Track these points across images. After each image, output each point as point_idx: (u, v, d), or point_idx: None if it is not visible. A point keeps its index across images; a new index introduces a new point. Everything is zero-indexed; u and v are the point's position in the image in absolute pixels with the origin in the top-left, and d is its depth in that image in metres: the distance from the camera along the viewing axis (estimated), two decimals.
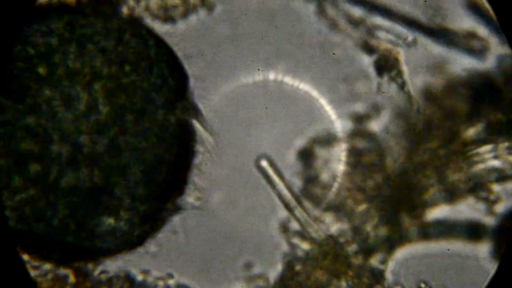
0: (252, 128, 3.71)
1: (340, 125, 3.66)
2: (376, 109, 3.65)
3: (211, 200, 3.69)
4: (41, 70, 3.56)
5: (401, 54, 3.63)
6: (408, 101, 3.60)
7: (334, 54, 3.66)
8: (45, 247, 3.62)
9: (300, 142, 3.69)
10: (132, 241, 3.63)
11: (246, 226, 3.68)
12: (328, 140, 3.67)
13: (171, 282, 3.68)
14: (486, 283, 3.55)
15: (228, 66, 3.70)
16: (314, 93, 3.67)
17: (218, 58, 3.70)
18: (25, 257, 3.62)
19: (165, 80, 3.62)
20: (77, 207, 3.53)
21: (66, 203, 3.53)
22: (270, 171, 3.65)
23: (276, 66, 3.69)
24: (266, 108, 3.68)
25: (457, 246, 3.63)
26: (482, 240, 3.60)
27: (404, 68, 3.62)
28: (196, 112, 3.64)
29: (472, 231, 3.61)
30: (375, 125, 3.66)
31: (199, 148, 3.67)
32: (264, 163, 3.66)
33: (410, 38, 3.62)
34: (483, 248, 3.62)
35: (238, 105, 3.70)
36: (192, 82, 3.68)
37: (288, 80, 3.68)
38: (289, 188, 3.65)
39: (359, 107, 3.67)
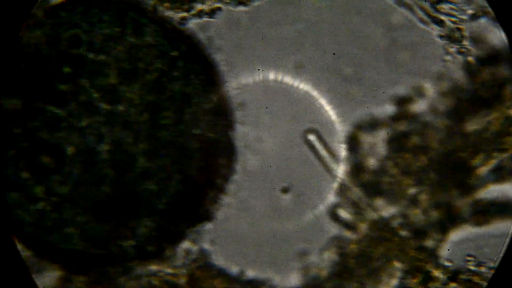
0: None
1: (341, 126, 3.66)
2: (417, 91, 3.66)
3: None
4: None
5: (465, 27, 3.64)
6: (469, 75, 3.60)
7: (334, 54, 3.63)
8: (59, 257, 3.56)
9: (343, 128, 3.67)
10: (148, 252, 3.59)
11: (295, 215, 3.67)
12: (372, 124, 3.66)
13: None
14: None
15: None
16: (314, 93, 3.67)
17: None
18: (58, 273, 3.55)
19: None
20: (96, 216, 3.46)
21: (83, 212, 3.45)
22: (319, 147, 3.62)
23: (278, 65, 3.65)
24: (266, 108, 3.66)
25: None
26: None
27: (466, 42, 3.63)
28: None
29: None
30: (418, 107, 3.67)
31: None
32: (312, 138, 3.63)
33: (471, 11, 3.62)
34: None
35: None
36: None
37: (288, 80, 3.65)
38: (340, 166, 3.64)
39: (401, 90, 3.67)
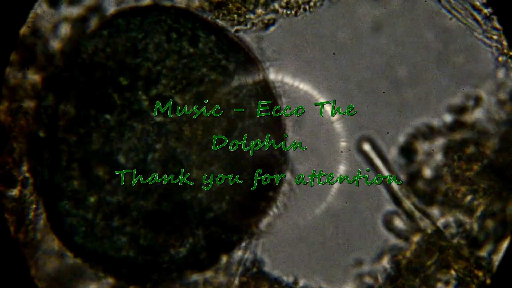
0: None
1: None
2: (473, 100, 3.64)
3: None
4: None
5: None
6: None
7: (334, 54, 3.59)
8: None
9: (400, 138, 3.65)
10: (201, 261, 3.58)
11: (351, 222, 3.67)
12: (428, 133, 3.64)
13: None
14: None
15: None
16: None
17: None
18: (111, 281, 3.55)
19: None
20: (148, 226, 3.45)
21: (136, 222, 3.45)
22: (374, 156, 3.61)
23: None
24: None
25: None
26: None
27: None
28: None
29: None
30: (474, 116, 3.65)
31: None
32: (367, 147, 3.62)
33: None
34: None
35: None
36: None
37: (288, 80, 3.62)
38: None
39: (456, 99, 3.65)
